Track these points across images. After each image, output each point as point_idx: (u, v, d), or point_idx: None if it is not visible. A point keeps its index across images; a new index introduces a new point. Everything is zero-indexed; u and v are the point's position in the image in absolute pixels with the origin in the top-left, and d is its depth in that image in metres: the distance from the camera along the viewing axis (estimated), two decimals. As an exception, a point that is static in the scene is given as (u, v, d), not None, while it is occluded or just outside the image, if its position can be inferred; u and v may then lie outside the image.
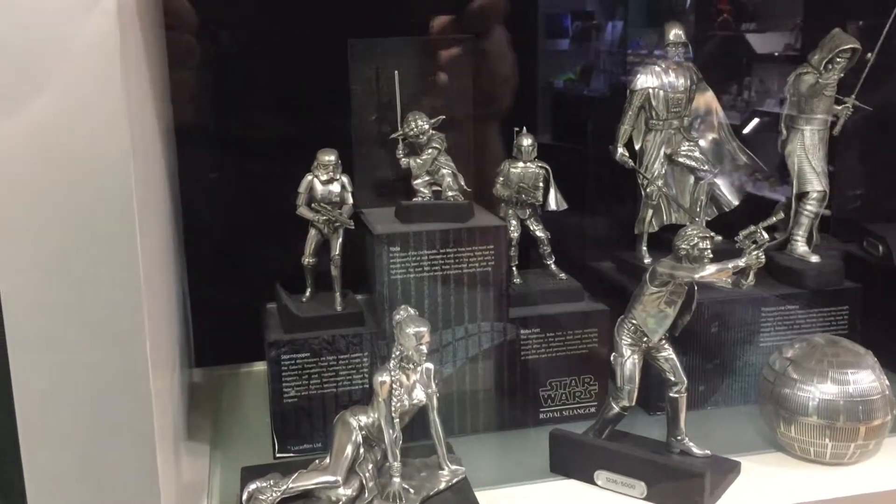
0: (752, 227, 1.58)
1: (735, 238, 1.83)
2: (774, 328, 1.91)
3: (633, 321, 1.60)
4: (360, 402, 1.68)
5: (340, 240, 1.77)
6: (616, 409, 1.63)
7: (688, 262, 1.55)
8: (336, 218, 1.74)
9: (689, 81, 1.90)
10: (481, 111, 2.02)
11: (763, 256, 1.52)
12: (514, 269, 1.91)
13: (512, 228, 1.89)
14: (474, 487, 1.57)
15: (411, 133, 1.78)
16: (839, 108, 1.97)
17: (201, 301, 2.12)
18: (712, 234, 1.56)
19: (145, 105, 1.36)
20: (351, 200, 1.76)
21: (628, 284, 1.79)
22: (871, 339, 2.05)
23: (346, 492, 1.48)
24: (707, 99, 2.01)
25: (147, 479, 1.22)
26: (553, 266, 1.93)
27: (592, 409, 1.85)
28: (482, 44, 2.08)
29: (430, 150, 1.80)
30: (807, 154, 1.96)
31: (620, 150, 1.92)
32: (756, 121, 2.46)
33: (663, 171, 1.94)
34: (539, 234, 1.90)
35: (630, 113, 1.91)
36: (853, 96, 1.97)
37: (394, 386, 1.49)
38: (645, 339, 1.60)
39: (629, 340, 1.62)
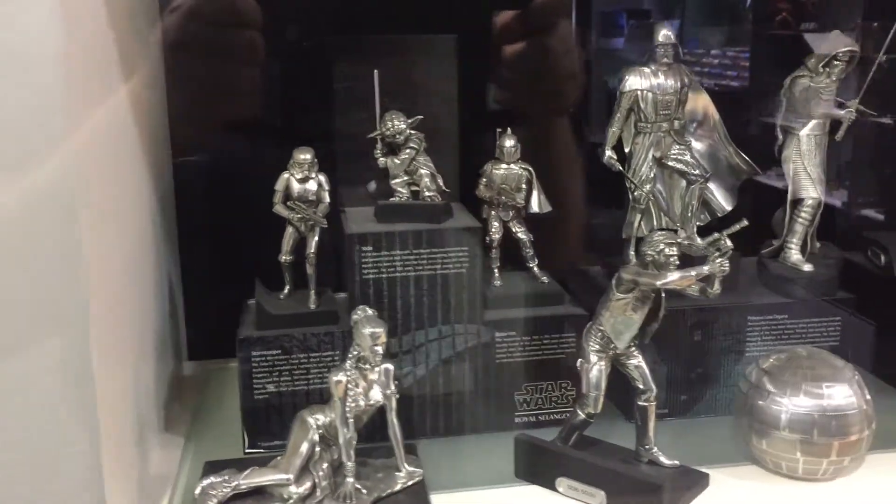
0: (716, 235, 1.53)
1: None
2: (762, 337, 1.86)
3: (601, 327, 1.58)
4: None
5: (317, 238, 1.77)
6: (582, 415, 1.60)
7: (654, 268, 1.52)
8: (310, 216, 1.74)
9: (679, 84, 1.86)
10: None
11: (727, 264, 1.48)
12: (495, 270, 1.89)
13: (494, 230, 1.87)
14: (435, 490, 1.57)
15: (388, 133, 1.77)
16: (842, 112, 1.91)
17: (196, 295, 2.15)
18: (679, 240, 1.52)
19: (107, 95, 1.38)
20: (328, 199, 1.76)
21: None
22: (865, 351, 2.01)
23: (297, 490, 1.48)
24: (701, 102, 1.96)
25: (89, 469, 1.23)
26: (536, 269, 1.90)
27: (569, 415, 1.82)
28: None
29: (407, 150, 1.79)
30: (803, 160, 1.90)
31: (608, 152, 1.88)
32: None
33: (652, 175, 1.90)
34: (521, 236, 1.88)
35: (619, 115, 1.88)
36: (857, 100, 1.91)
37: (349, 386, 1.49)
38: (612, 345, 1.58)
39: (596, 347, 1.59)
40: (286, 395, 1.74)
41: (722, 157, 1.98)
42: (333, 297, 1.83)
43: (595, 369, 1.59)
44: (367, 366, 1.50)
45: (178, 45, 1.90)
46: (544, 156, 1.96)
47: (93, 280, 1.21)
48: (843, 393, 1.57)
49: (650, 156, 1.89)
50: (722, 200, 1.99)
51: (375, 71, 1.77)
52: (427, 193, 1.80)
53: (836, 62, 1.84)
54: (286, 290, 1.83)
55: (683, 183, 1.93)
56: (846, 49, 1.83)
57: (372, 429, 1.57)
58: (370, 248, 1.71)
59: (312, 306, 1.77)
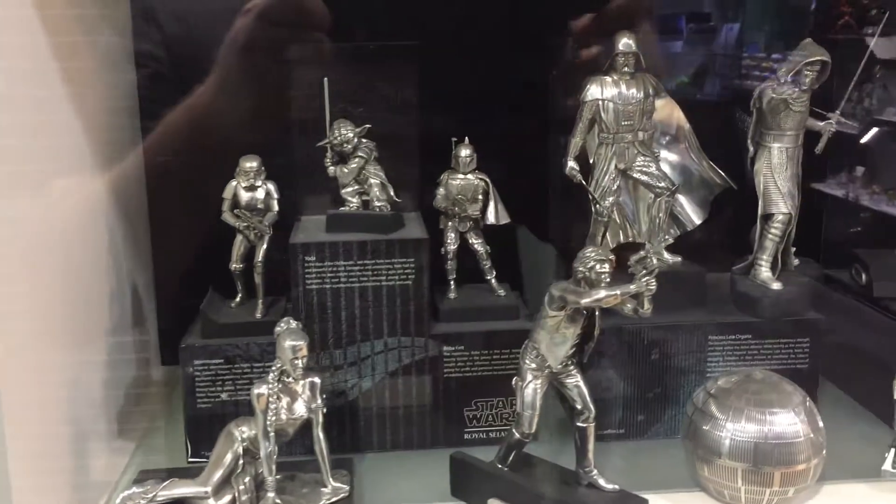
0: (643, 252, 1.47)
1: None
2: (724, 357, 1.79)
3: (536, 346, 1.53)
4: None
5: (265, 246, 1.76)
6: (517, 435, 1.56)
7: (586, 285, 1.46)
8: (254, 225, 1.73)
9: (643, 93, 1.80)
10: None
11: (654, 283, 1.42)
12: (451, 282, 1.85)
13: (449, 241, 1.83)
14: (364, 506, 1.54)
15: (335, 141, 1.75)
16: (821, 124, 1.83)
17: (170, 301, 2.15)
18: (612, 257, 1.46)
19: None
20: (276, 207, 1.75)
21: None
22: (839, 374, 1.93)
23: (215, 503, 1.46)
24: (670, 112, 1.90)
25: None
26: (494, 281, 1.86)
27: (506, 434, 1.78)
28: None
29: (356, 159, 1.77)
30: (773, 173, 1.82)
31: (570, 163, 1.83)
32: (875, 130, 2.30)
33: (615, 187, 1.84)
34: (478, 248, 1.84)
35: (580, 125, 1.82)
36: (838, 112, 1.83)
37: (271, 399, 1.47)
38: (548, 364, 1.53)
39: (533, 365, 1.54)
40: (229, 404, 1.73)
41: (694, 169, 1.92)
42: (285, 307, 1.81)
43: (530, 388, 1.54)
44: (291, 379, 1.48)
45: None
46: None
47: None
48: (787, 420, 1.50)
49: (612, 167, 1.83)
50: (692, 214, 1.92)
51: (325, 78, 1.75)
52: (377, 203, 1.78)
53: (806, 72, 1.76)
54: (238, 299, 1.82)
55: (651, 196, 1.87)
56: (815, 58, 1.74)
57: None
58: (313, 259, 1.70)
59: (258, 315, 1.76)
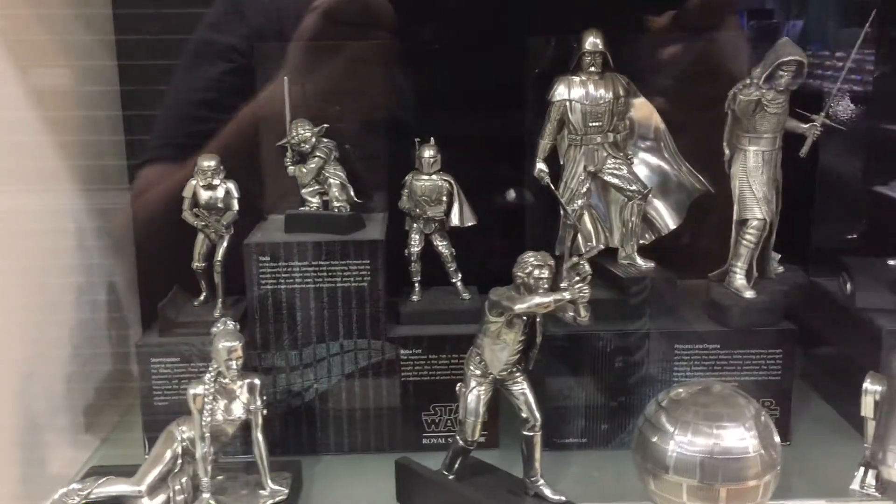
0: (575, 259, 1.42)
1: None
2: (691, 367, 1.74)
3: (479, 352, 1.50)
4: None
5: (225, 245, 1.76)
6: (461, 442, 1.53)
7: (525, 290, 1.43)
8: (211, 224, 1.73)
9: (612, 94, 1.75)
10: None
11: (587, 290, 1.38)
12: (416, 284, 1.83)
13: (413, 243, 1.80)
14: (306, 509, 1.53)
15: (294, 141, 1.74)
16: (805, 126, 1.76)
17: (154, 296, 2.15)
18: (551, 262, 1.42)
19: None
20: (236, 207, 1.75)
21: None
22: (817, 385, 1.86)
23: (149, 502, 1.46)
24: (644, 113, 1.85)
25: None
26: (459, 284, 1.83)
27: (481, 438, 1.74)
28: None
29: (315, 159, 1.75)
30: (749, 177, 1.76)
31: (539, 165, 1.79)
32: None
33: (584, 190, 1.80)
34: (442, 249, 1.81)
35: (549, 126, 1.78)
36: (823, 114, 1.76)
37: (207, 400, 1.46)
38: (491, 371, 1.49)
39: (477, 372, 1.51)
40: (185, 402, 1.72)
41: (672, 173, 1.87)
42: (245, 307, 1.80)
43: (473, 395, 1.51)
44: (227, 380, 1.47)
45: None
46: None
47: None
48: (736, 435, 1.43)
49: (581, 169, 1.79)
50: (667, 218, 1.87)
51: (285, 78, 1.74)
52: (336, 204, 1.76)
53: (781, 72, 1.69)
54: (202, 297, 1.82)
55: (623, 199, 1.82)
56: (790, 58, 1.67)
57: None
58: (268, 259, 1.68)
59: (216, 314, 1.76)
